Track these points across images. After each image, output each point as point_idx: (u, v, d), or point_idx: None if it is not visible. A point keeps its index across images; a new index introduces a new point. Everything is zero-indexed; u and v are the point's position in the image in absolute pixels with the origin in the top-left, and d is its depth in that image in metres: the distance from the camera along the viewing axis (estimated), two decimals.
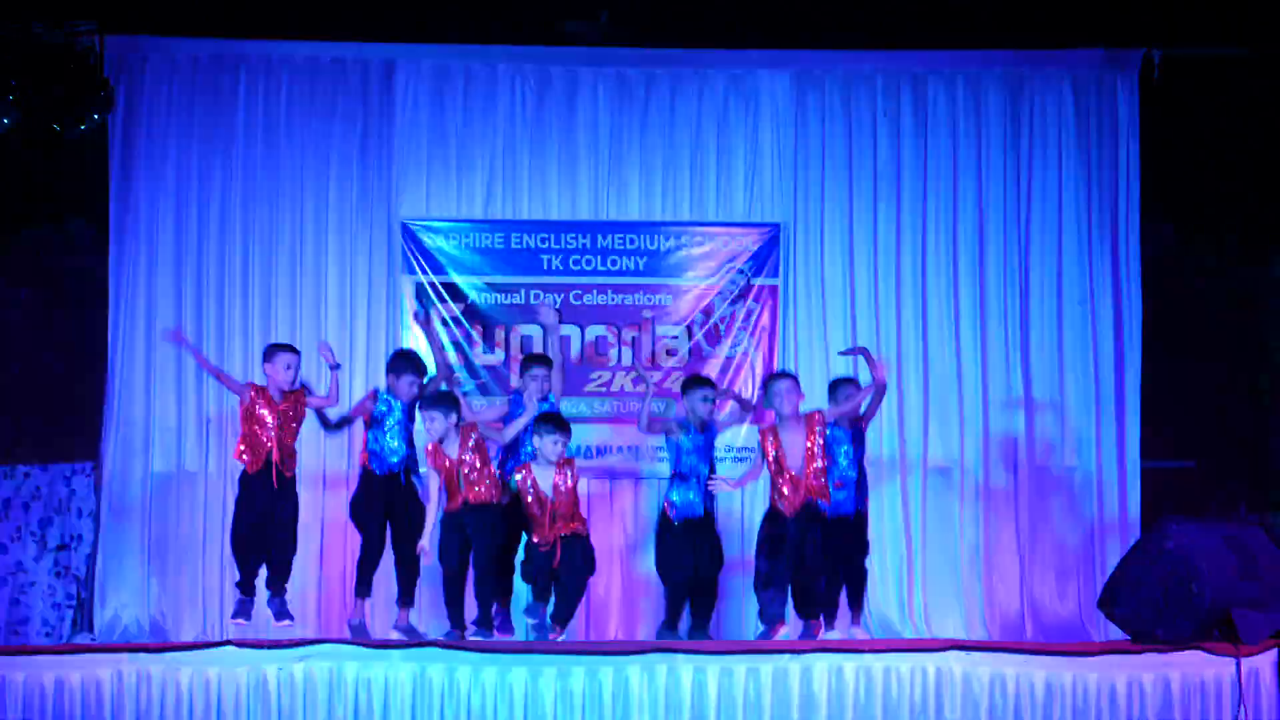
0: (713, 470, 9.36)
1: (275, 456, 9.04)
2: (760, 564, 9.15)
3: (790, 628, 9.15)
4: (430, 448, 8.98)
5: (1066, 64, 10.71)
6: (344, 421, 9.56)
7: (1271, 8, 9.91)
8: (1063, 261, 10.68)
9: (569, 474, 8.92)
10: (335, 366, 9.34)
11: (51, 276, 10.68)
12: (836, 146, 10.73)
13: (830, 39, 10.52)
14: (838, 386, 9.58)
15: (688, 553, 9.24)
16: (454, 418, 8.94)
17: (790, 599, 9.14)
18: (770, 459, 9.07)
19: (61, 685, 7.95)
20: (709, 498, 9.35)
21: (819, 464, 9.03)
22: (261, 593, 9.15)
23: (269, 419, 9.05)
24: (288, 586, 9.17)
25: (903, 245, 10.68)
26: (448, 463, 8.92)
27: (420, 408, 9.15)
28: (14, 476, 10.33)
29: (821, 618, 9.21)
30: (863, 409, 9.51)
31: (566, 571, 8.86)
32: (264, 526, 9.07)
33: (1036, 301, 10.68)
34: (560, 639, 8.83)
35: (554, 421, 9.02)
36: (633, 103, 10.69)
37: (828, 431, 9.16)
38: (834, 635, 9.24)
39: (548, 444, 8.91)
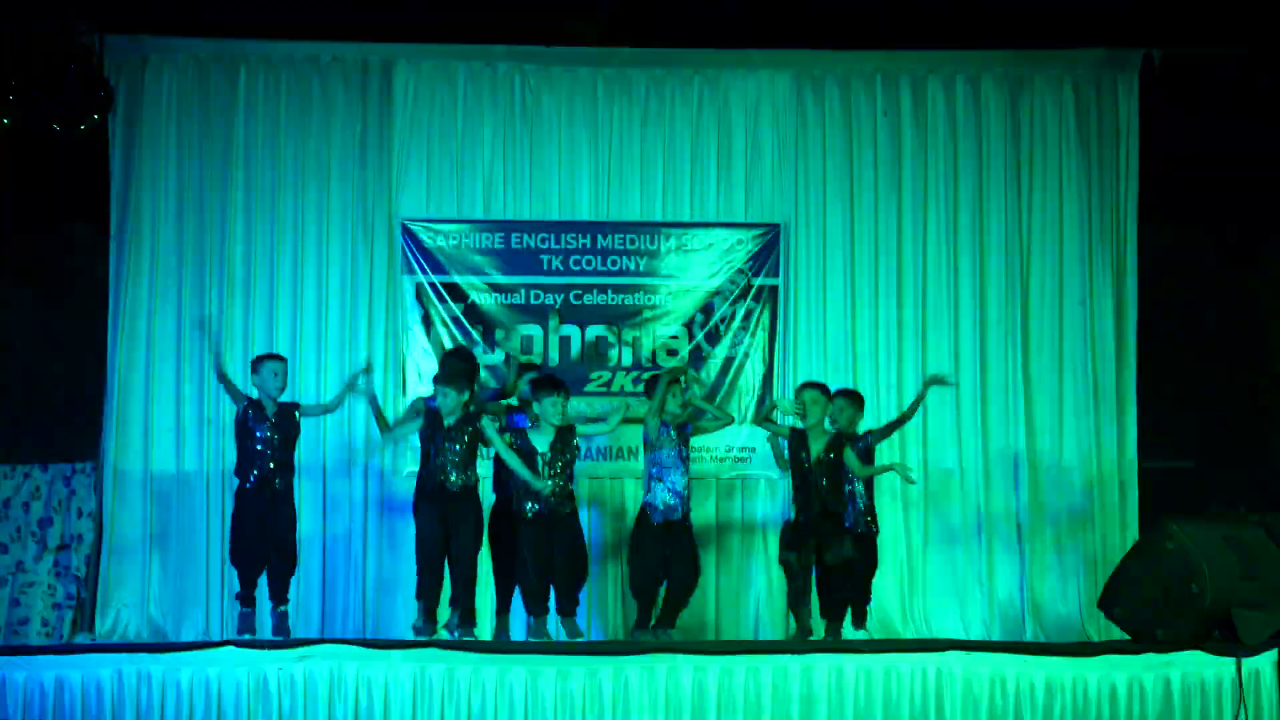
0: (689, 467, 9.25)
1: (270, 470, 9.01)
2: (786, 572, 9.13)
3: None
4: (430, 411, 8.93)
5: (1066, 64, 10.72)
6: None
7: (1271, 7, 9.91)
8: (1063, 261, 10.68)
9: (570, 439, 8.84)
10: (351, 387, 9.32)
11: (51, 276, 10.68)
12: (836, 147, 10.74)
13: (830, 39, 10.53)
14: (836, 398, 9.48)
15: (660, 553, 9.14)
16: (466, 397, 8.90)
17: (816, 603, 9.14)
18: (795, 466, 9.07)
19: (61, 685, 7.94)
20: (687, 498, 9.24)
21: (839, 477, 9.03)
22: (263, 602, 9.09)
23: (261, 432, 9.02)
24: (289, 598, 9.14)
25: (903, 245, 10.68)
26: (437, 436, 8.85)
27: (434, 381, 9.07)
28: (14, 476, 10.33)
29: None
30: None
31: (566, 555, 8.81)
32: (262, 540, 9.02)
33: (1036, 301, 10.68)
34: (568, 628, 8.83)
35: (551, 383, 8.95)
36: (633, 103, 10.69)
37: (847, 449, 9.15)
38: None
39: (548, 407, 8.84)
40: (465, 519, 8.87)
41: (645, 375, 10.06)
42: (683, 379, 9.41)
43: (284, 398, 9.19)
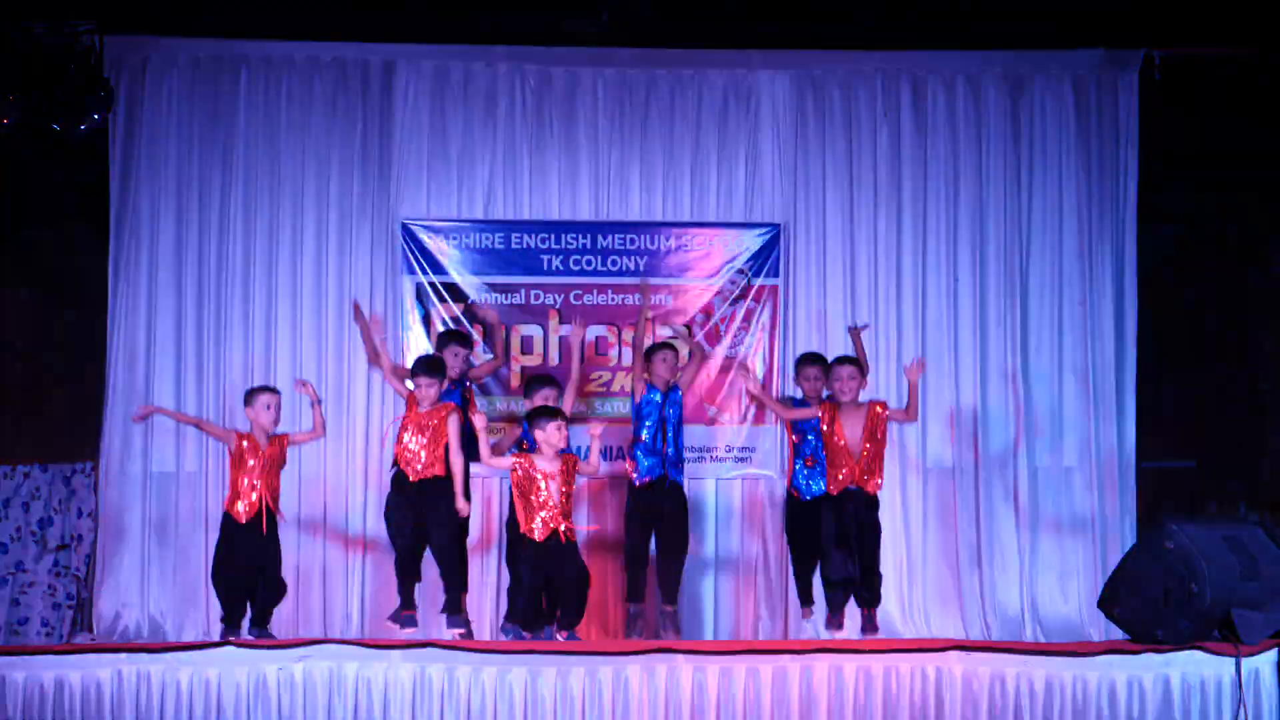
0: (677, 433, 9.33)
1: (265, 503, 8.96)
2: (826, 551, 9.16)
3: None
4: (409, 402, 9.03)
5: (1066, 64, 10.71)
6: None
7: (1271, 7, 9.91)
8: (1063, 261, 10.68)
9: (570, 470, 8.76)
10: (318, 401, 9.26)
11: (51, 276, 10.69)
12: (836, 147, 10.74)
13: (830, 39, 10.53)
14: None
15: (645, 517, 9.25)
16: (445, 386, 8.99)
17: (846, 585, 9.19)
18: (826, 439, 9.08)
19: (61, 685, 7.95)
20: (672, 462, 9.32)
21: (870, 450, 9.05)
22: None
23: (256, 466, 8.97)
24: (271, 621, 9.09)
25: (903, 245, 10.69)
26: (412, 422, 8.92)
27: (412, 372, 9.14)
28: (14, 476, 10.34)
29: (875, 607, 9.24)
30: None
31: (566, 580, 8.72)
32: (251, 572, 8.96)
33: (1036, 301, 10.68)
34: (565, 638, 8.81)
35: (550, 410, 8.90)
36: (633, 103, 10.69)
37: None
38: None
39: (551, 431, 8.72)
40: (436, 509, 8.88)
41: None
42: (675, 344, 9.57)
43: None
